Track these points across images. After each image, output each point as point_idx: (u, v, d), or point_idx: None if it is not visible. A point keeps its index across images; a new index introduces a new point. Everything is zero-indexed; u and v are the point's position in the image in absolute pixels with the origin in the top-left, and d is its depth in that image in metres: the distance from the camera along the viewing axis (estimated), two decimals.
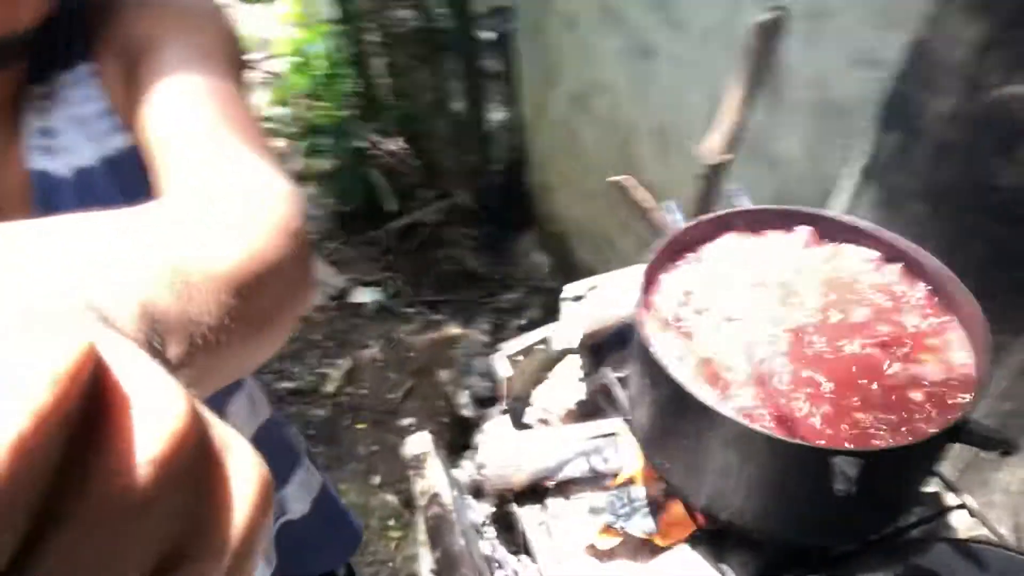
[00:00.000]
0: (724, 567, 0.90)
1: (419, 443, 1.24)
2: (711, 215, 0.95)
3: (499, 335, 3.06)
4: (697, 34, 1.58)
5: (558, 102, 2.49)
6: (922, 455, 0.75)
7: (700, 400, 0.75)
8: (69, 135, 0.60)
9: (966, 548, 0.84)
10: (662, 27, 1.69)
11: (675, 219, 0.98)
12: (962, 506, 0.91)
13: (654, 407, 0.86)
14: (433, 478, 1.19)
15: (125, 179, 0.61)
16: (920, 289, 0.87)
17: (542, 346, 1.18)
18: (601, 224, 2.50)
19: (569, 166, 2.60)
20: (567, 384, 1.18)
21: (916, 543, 0.86)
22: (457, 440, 2.19)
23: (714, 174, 1.44)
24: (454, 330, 3.12)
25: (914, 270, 0.88)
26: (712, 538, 0.95)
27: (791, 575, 0.88)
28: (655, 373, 0.81)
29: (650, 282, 0.89)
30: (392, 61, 3.56)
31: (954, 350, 0.83)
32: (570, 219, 2.78)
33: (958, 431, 0.72)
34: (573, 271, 2.88)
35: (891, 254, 0.90)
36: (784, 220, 0.97)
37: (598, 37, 2.03)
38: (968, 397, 0.76)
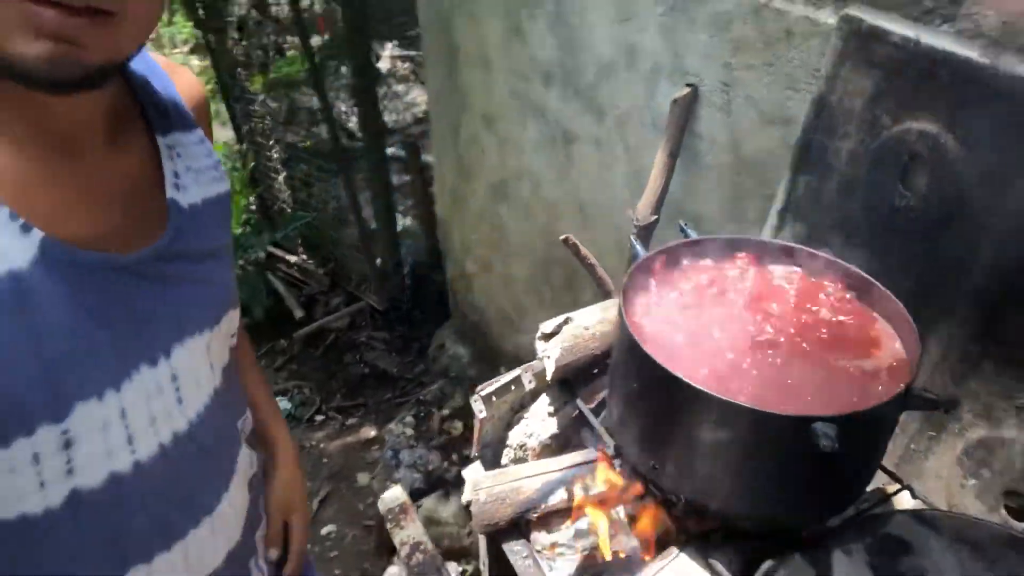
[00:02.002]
0: (713, 562, 0.96)
1: (395, 495, 1.24)
2: (669, 245, 1.07)
3: (422, 428, 3.06)
4: (615, 118, 1.77)
5: (477, 194, 2.64)
6: (882, 418, 0.86)
7: (693, 384, 0.84)
8: (188, 179, 0.80)
9: (921, 515, 0.94)
10: (583, 115, 1.88)
11: (638, 250, 1.09)
12: (908, 487, 1.03)
13: (644, 407, 0.94)
14: (412, 528, 1.20)
15: (220, 214, 0.84)
16: (854, 298, 1.02)
17: (515, 387, 1.24)
18: (524, 307, 2.61)
19: (489, 253, 2.73)
20: (540, 422, 1.23)
21: (878, 517, 0.96)
22: (383, 543, 2.16)
23: (644, 234, 1.59)
24: (370, 432, 3.10)
25: (847, 284, 1.03)
26: (697, 540, 1.02)
27: (773, 561, 0.94)
28: (646, 371, 0.90)
29: (628, 299, 0.99)
30: (292, 175, 3.67)
31: (889, 343, 0.96)
32: (491, 306, 2.88)
33: (908, 397, 0.84)
34: (497, 358, 2.96)
35: (828, 273, 1.05)
36: (728, 248, 1.11)
37: (519, 130, 2.21)
38: (892, 383, 0.88)
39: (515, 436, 1.24)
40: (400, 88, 4.63)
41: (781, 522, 0.94)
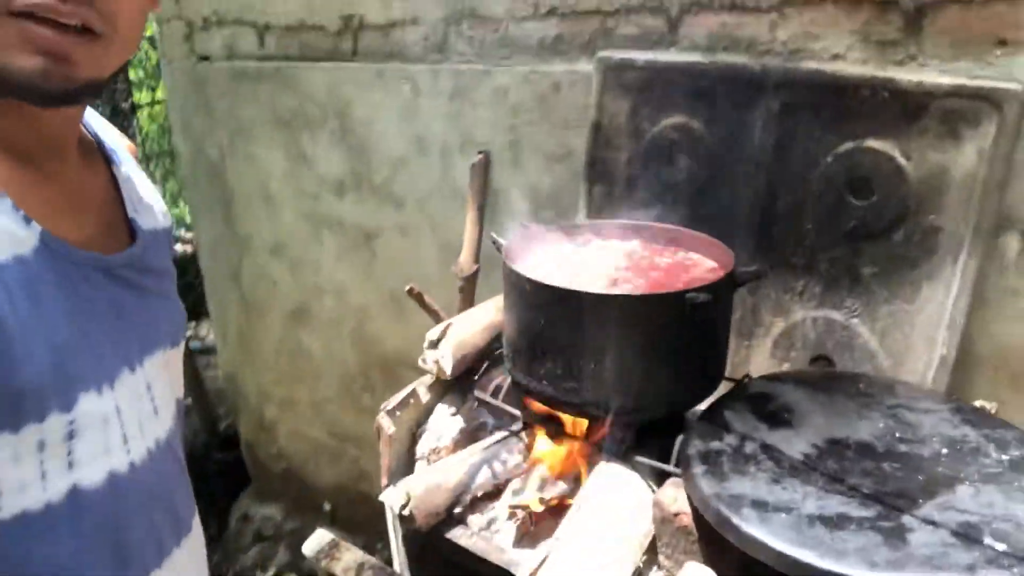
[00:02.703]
0: (637, 459, 1.13)
1: (318, 538, 1.23)
2: (531, 228, 1.30)
3: None
4: (415, 202, 2.01)
5: (271, 329, 2.66)
6: (726, 290, 1.12)
7: (595, 292, 1.05)
8: (140, 208, 0.88)
9: (771, 377, 1.21)
10: (382, 209, 2.09)
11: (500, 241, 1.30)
12: (746, 376, 1.31)
13: (553, 336, 1.11)
14: (350, 555, 1.19)
15: (168, 245, 0.92)
16: (667, 246, 1.32)
17: (412, 400, 1.33)
18: (344, 427, 2.62)
19: (293, 388, 2.72)
20: (444, 425, 1.33)
21: (739, 388, 1.20)
22: None
23: (469, 284, 1.81)
24: None
25: (661, 238, 1.33)
26: (617, 453, 1.18)
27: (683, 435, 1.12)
28: (552, 302, 1.09)
29: (511, 259, 1.19)
30: None
31: (703, 264, 1.26)
32: (302, 444, 2.82)
33: (735, 277, 1.13)
34: (317, 498, 2.86)
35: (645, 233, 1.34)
36: (577, 229, 1.37)
37: (315, 248, 2.35)
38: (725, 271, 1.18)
39: (424, 446, 1.32)
40: None
41: (676, 402, 1.15)
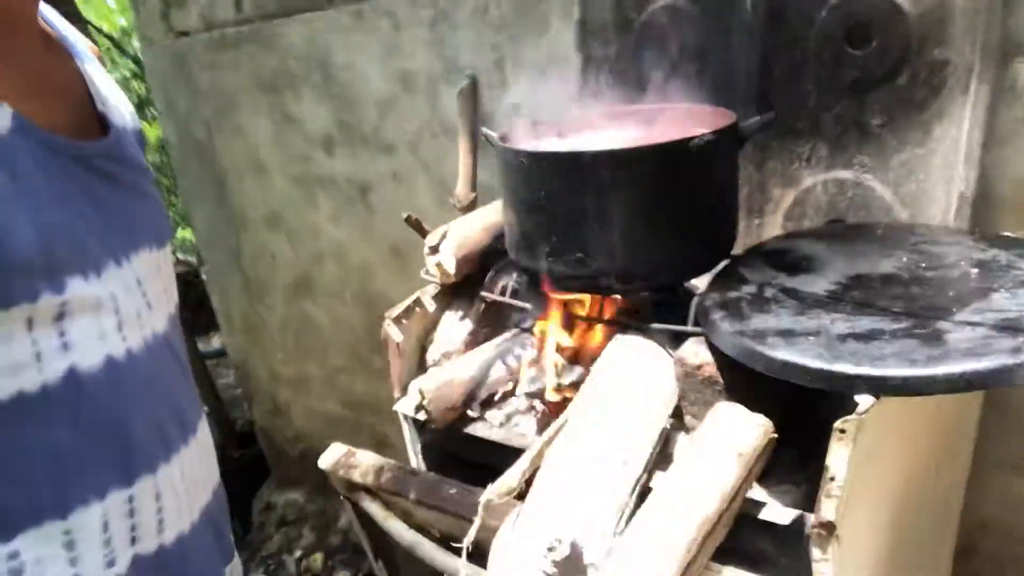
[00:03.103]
0: (653, 327, 1.08)
1: (334, 450, 1.19)
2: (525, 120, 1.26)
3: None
4: (407, 144, 1.98)
5: (276, 307, 2.63)
6: (731, 142, 1.08)
7: (593, 150, 1.00)
8: (108, 105, 0.83)
9: (785, 236, 1.17)
10: (375, 158, 2.05)
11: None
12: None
13: (556, 206, 1.06)
14: (368, 458, 1.15)
15: (139, 144, 0.88)
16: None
17: (418, 308, 1.29)
18: (360, 397, 2.58)
19: (304, 366, 2.68)
20: (453, 329, 1.29)
21: (755, 248, 1.15)
22: None
23: (468, 212, 1.76)
24: None
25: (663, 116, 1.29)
26: (631, 325, 1.13)
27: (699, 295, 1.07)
28: (552, 169, 1.04)
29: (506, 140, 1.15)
30: None
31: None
32: (318, 422, 2.78)
33: (738, 130, 1.08)
34: None
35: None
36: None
37: (310, 211, 2.32)
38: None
39: (434, 352, 1.28)
40: None
41: (689, 266, 1.10)
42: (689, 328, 1.04)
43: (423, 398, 1.13)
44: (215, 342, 4.61)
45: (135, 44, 4.76)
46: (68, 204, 0.70)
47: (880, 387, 0.76)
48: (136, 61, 4.58)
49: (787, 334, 0.87)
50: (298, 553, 2.77)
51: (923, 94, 1.15)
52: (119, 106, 0.87)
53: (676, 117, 1.24)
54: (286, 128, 2.23)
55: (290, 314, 2.61)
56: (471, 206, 1.76)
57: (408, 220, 1.58)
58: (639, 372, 1.03)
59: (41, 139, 0.68)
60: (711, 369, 0.96)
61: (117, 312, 0.74)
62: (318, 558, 2.70)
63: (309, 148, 2.20)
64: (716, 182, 1.08)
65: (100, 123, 0.81)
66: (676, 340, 1.06)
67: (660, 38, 1.39)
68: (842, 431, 0.77)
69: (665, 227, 1.05)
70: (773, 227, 1.32)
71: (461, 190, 1.76)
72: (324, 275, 2.41)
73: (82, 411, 0.70)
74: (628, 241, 1.05)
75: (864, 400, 0.76)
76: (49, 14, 0.83)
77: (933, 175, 1.17)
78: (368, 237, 2.21)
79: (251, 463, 3.24)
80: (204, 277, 4.74)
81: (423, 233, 1.60)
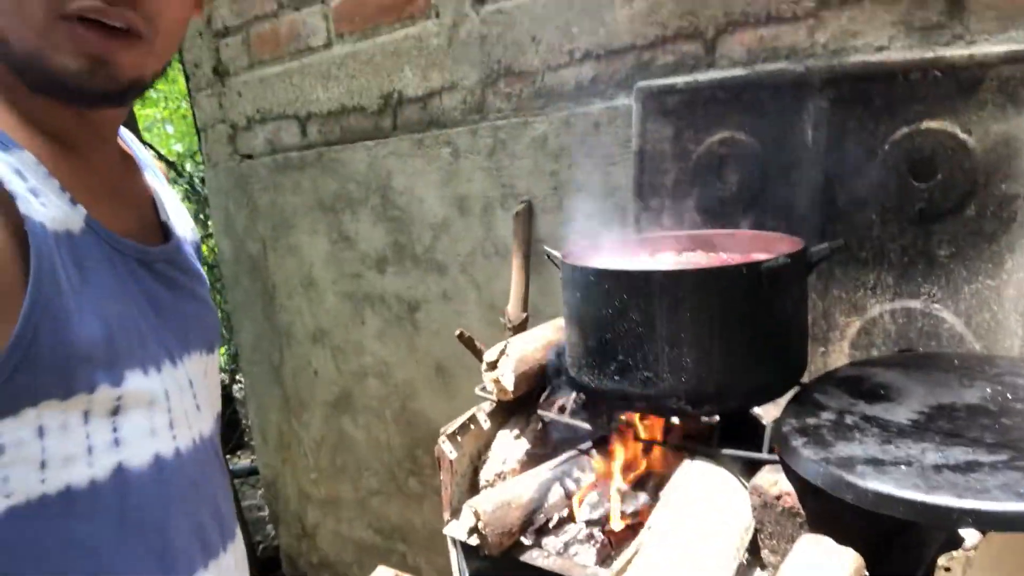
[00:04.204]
0: (724, 451, 1.04)
1: (381, 573, 1.13)
2: (589, 243, 1.27)
3: None
4: (459, 265, 2.01)
5: (312, 424, 2.60)
6: (799, 267, 1.07)
7: (665, 270, 1.01)
8: (171, 216, 0.89)
9: (859, 363, 1.13)
10: (426, 277, 2.08)
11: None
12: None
13: (624, 324, 1.05)
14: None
15: (198, 256, 0.93)
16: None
17: (473, 426, 1.26)
18: (391, 521, 2.49)
19: (336, 486, 2.61)
20: (508, 448, 1.25)
21: (828, 375, 1.12)
22: None
23: (519, 332, 1.76)
24: None
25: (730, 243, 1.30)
26: (700, 451, 1.08)
27: (774, 421, 1.04)
28: (619, 287, 1.04)
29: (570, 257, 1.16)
30: None
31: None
32: (347, 546, 2.67)
33: (808, 255, 1.08)
34: None
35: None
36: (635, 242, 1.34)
37: (356, 329, 2.33)
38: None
39: (487, 472, 1.23)
40: None
41: (759, 390, 1.07)
42: (764, 455, 0.99)
43: (478, 520, 1.08)
44: (243, 461, 4.56)
45: (188, 168, 5.04)
46: (130, 301, 0.73)
47: (988, 521, 0.71)
48: (190, 183, 4.81)
49: (876, 463, 0.83)
50: None
51: (992, 226, 1.15)
52: (181, 218, 0.91)
53: (742, 241, 1.25)
54: (341, 247, 2.29)
55: (327, 431, 2.58)
56: (522, 325, 1.75)
57: (460, 337, 1.58)
58: (712, 502, 0.98)
59: (109, 239, 0.72)
60: (792, 499, 0.91)
61: (169, 411, 0.75)
62: None
63: (361, 266, 2.25)
64: (787, 306, 1.06)
65: (163, 231, 0.85)
66: (749, 468, 1.02)
67: (719, 168, 1.43)
68: (947, 568, 0.71)
69: (736, 349, 1.03)
70: (839, 355, 1.29)
71: (513, 309, 1.76)
72: (365, 392, 2.40)
73: (127, 509, 0.69)
74: (699, 362, 1.03)
75: (970, 535, 0.71)
76: (126, 135, 0.89)
77: (1006, 306, 1.14)
78: (413, 355, 2.21)
79: None
80: (236, 395, 4.74)
81: (474, 349, 1.60)
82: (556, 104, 1.69)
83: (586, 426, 1.19)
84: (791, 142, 1.33)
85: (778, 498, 0.92)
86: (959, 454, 0.82)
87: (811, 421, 0.96)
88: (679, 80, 1.46)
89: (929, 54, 1.19)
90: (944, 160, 1.18)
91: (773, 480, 0.94)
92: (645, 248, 1.31)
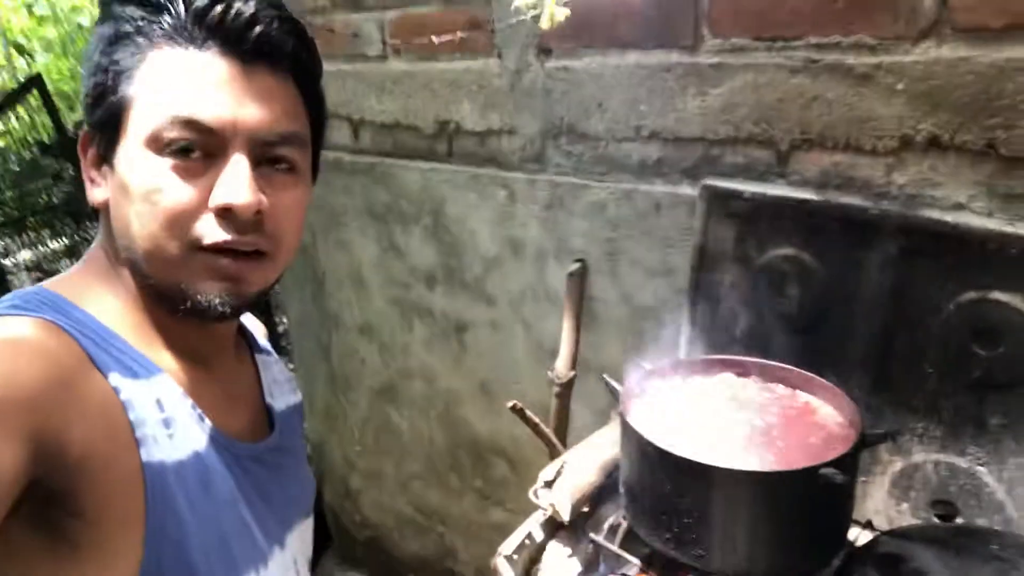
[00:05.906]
0: None
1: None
2: (645, 369, 1.31)
3: None
4: (508, 302, 2.05)
5: (359, 404, 2.73)
6: (855, 460, 1.12)
7: (725, 467, 1.05)
8: (275, 389, 0.95)
9: (898, 533, 1.20)
10: (474, 305, 2.13)
11: (612, 384, 1.31)
12: (868, 522, 1.30)
13: (683, 505, 1.12)
14: None
15: (298, 420, 1.00)
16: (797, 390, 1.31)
17: (528, 542, 1.35)
18: (429, 504, 2.66)
19: (379, 461, 2.77)
20: (560, 568, 1.35)
21: (866, 547, 1.19)
22: None
23: (566, 390, 1.83)
24: None
25: (785, 379, 1.32)
26: None
27: None
28: (681, 474, 1.10)
29: (626, 405, 1.21)
30: None
31: (823, 410, 1.25)
32: (387, 516, 2.87)
33: (865, 440, 1.12)
34: (401, 567, 2.90)
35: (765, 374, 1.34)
36: (691, 366, 1.37)
37: (403, 333, 2.41)
38: (854, 432, 1.16)
39: None
40: None
41: (804, 569, 1.14)
42: None
43: None
44: None
45: None
46: (244, 503, 0.80)
47: None
48: None
49: None
50: None
51: None
52: (284, 384, 0.97)
53: (797, 380, 1.28)
54: (391, 255, 2.32)
55: (372, 413, 2.71)
56: (569, 383, 1.82)
57: (513, 409, 1.65)
58: None
59: (230, 447, 0.79)
60: None
61: None
62: None
63: (410, 278, 2.29)
64: (838, 495, 1.11)
65: (269, 414, 0.92)
66: None
67: (780, 283, 1.43)
68: None
69: (787, 539, 1.10)
70: (879, 490, 1.35)
71: (561, 368, 1.82)
72: (410, 390, 2.50)
73: None
74: (751, 545, 1.10)
75: None
76: None
77: None
78: (459, 370, 2.29)
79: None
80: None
81: (528, 422, 1.67)
82: (618, 175, 1.67)
83: (635, 560, 1.27)
84: (856, 278, 1.33)
85: None
86: None
87: None
88: (748, 188, 1.44)
89: (1009, 228, 1.17)
90: (1009, 334, 1.19)
91: None
92: (703, 370, 1.35)
